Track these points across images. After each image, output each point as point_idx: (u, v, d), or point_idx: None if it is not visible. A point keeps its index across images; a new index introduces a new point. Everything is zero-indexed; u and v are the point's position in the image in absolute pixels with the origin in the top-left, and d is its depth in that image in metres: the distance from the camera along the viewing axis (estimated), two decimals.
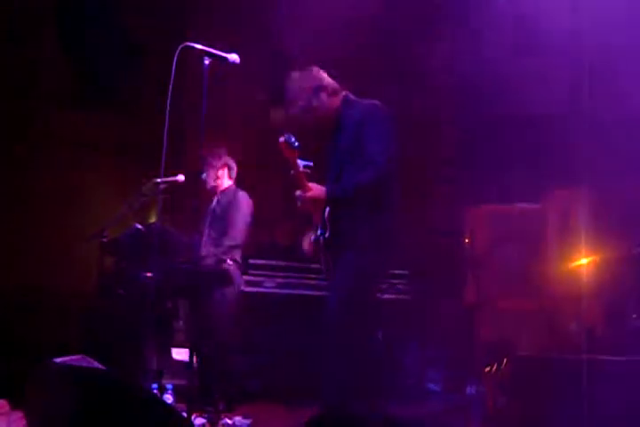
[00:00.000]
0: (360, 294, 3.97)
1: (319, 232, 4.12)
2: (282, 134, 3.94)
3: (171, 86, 3.69)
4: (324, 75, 4.22)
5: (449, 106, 8.18)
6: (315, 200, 4.03)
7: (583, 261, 5.54)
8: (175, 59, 3.64)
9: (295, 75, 4.21)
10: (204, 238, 5.78)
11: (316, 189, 4.02)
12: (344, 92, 4.22)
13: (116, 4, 7.67)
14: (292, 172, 4.02)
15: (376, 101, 4.12)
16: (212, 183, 5.96)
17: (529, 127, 7.39)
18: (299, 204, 4.12)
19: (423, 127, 8.20)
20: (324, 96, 4.12)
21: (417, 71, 8.27)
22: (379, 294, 6.64)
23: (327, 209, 4.05)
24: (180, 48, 3.68)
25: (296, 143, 3.93)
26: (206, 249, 5.73)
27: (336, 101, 4.16)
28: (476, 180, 7.91)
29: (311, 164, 4.06)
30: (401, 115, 8.26)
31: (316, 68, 4.23)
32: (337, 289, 4.00)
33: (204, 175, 5.74)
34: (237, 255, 5.79)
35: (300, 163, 4.03)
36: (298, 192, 4.11)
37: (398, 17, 7.86)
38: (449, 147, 8.16)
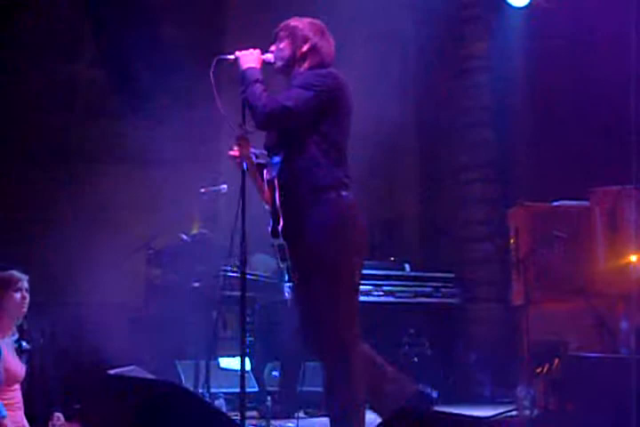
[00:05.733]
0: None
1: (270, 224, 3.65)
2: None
3: (218, 101, 3.66)
4: (325, 41, 3.74)
5: (489, 106, 8.15)
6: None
7: (632, 259, 5.47)
8: (212, 71, 3.65)
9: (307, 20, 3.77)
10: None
11: None
12: (320, 59, 3.70)
13: (153, 18, 7.76)
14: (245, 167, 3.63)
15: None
16: None
17: (575, 124, 7.33)
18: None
19: (464, 129, 8.20)
20: (302, 47, 3.68)
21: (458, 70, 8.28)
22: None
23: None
24: (215, 61, 3.69)
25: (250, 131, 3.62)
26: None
27: (304, 62, 3.70)
28: (519, 178, 7.88)
29: (265, 152, 3.70)
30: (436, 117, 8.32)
31: (324, 28, 3.77)
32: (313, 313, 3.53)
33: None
34: None
35: (252, 153, 3.68)
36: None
37: None
38: (490, 146, 8.12)
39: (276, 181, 3.63)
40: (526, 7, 7.45)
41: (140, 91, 7.63)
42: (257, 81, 3.62)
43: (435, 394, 3.78)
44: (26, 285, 4.39)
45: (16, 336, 4.40)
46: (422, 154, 8.71)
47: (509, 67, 8.03)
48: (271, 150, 3.72)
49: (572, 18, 6.99)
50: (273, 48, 3.76)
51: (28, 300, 4.38)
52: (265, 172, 3.72)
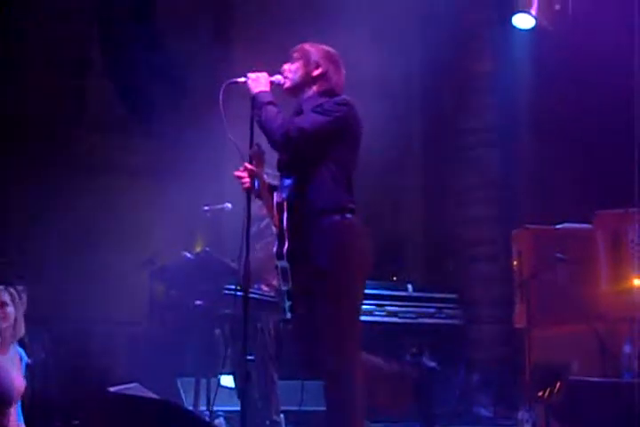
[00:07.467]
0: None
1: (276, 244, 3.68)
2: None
3: (226, 124, 3.68)
4: (337, 71, 3.76)
5: (493, 126, 8.18)
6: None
7: (635, 282, 5.46)
8: (221, 95, 3.67)
9: (323, 47, 3.81)
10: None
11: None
12: (329, 87, 3.73)
13: (160, 32, 7.83)
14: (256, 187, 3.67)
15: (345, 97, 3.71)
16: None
17: (580, 146, 7.35)
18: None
19: (468, 149, 8.22)
20: (313, 71, 3.71)
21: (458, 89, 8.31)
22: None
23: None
24: (224, 85, 3.72)
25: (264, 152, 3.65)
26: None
27: (313, 86, 3.73)
28: (523, 199, 7.89)
29: (277, 173, 3.72)
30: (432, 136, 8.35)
31: (338, 58, 3.80)
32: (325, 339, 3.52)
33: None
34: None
35: (265, 173, 3.71)
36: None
37: None
38: (495, 167, 8.15)
39: (285, 204, 3.65)
40: (532, 29, 7.49)
41: (148, 105, 7.67)
42: (270, 103, 3.67)
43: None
44: (3, 297, 4.14)
45: (17, 352, 4.31)
46: (427, 174, 8.74)
47: (514, 88, 8.06)
48: (282, 173, 3.75)
49: (576, 40, 7.04)
50: (286, 67, 3.81)
51: (10, 312, 4.14)
52: (275, 194, 3.74)
